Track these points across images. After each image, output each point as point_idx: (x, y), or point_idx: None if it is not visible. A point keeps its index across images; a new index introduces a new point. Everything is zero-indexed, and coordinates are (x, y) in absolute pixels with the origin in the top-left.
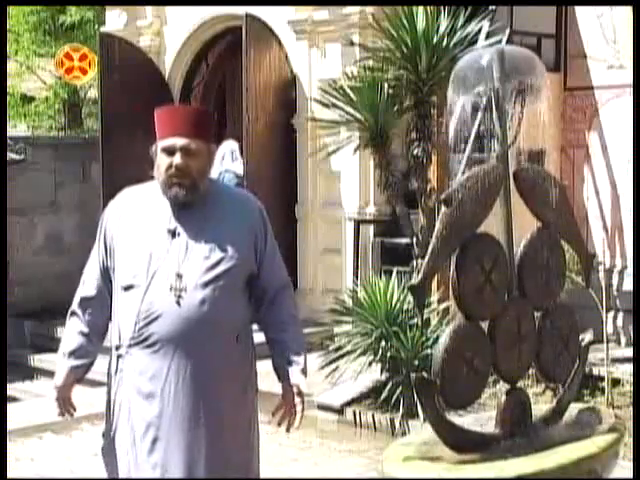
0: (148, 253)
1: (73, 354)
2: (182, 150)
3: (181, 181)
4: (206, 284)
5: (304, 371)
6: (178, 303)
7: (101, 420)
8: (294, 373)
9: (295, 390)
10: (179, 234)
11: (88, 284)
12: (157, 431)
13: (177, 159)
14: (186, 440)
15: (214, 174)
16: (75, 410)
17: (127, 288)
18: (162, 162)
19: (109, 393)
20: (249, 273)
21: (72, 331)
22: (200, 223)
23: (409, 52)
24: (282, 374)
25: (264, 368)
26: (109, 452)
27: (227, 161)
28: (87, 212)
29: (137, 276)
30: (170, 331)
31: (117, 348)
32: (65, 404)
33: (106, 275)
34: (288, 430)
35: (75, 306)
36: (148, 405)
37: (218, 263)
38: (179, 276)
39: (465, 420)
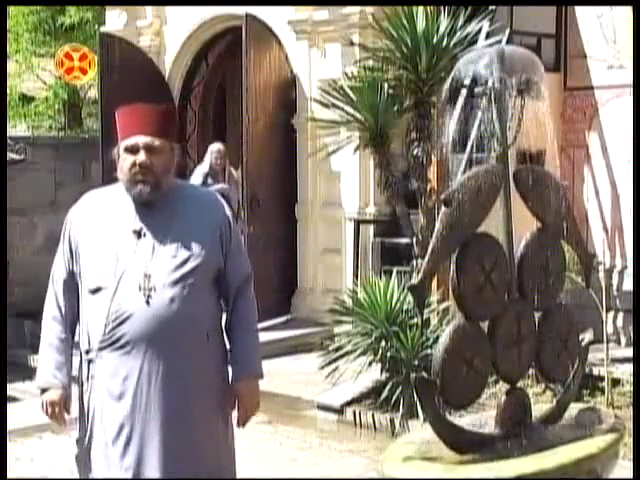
0: (114, 255)
1: (63, 368)
2: (145, 148)
3: (145, 178)
4: (175, 283)
5: (255, 371)
6: (148, 302)
7: None
8: (238, 376)
9: (240, 391)
10: (145, 234)
11: (59, 290)
12: (130, 433)
13: (141, 157)
14: (160, 440)
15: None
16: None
17: (95, 291)
18: (126, 161)
19: (81, 399)
20: (216, 270)
21: (54, 339)
22: (165, 222)
23: (409, 52)
24: (234, 374)
25: (265, 368)
26: (83, 459)
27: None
28: None
29: (105, 278)
30: (141, 331)
31: (87, 352)
32: (60, 417)
33: (72, 280)
34: (238, 425)
35: (53, 312)
36: (120, 407)
37: (185, 261)
38: (147, 276)
39: (465, 420)
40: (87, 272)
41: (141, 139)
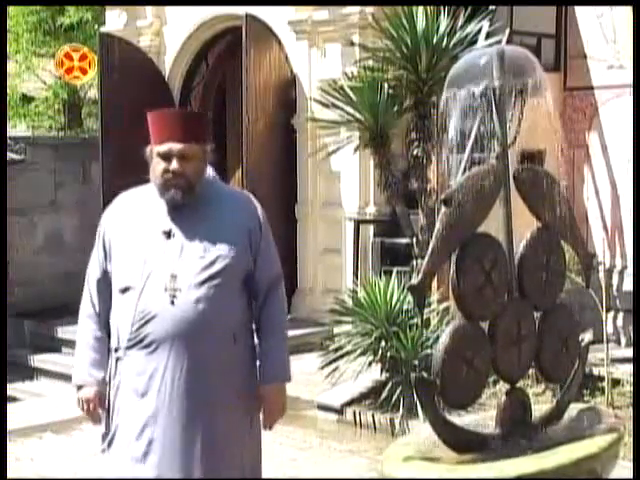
0: (143, 255)
1: (99, 365)
2: (178, 155)
3: (177, 182)
4: (201, 283)
5: (282, 376)
6: (172, 303)
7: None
8: (263, 380)
9: (265, 395)
10: (174, 235)
11: (93, 289)
12: (153, 432)
13: (173, 165)
14: (182, 440)
15: None
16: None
17: (124, 290)
18: (158, 166)
19: (108, 396)
20: (245, 271)
21: (89, 338)
22: (195, 223)
23: (409, 52)
24: (260, 378)
25: None
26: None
27: None
28: (87, 212)
29: (133, 278)
30: (165, 331)
31: (115, 350)
32: (95, 414)
33: (106, 279)
34: (264, 428)
35: (88, 310)
36: (144, 405)
37: (213, 262)
38: (173, 276)
39: (465, 420)
40: (117, 272)
41: (175, 146)
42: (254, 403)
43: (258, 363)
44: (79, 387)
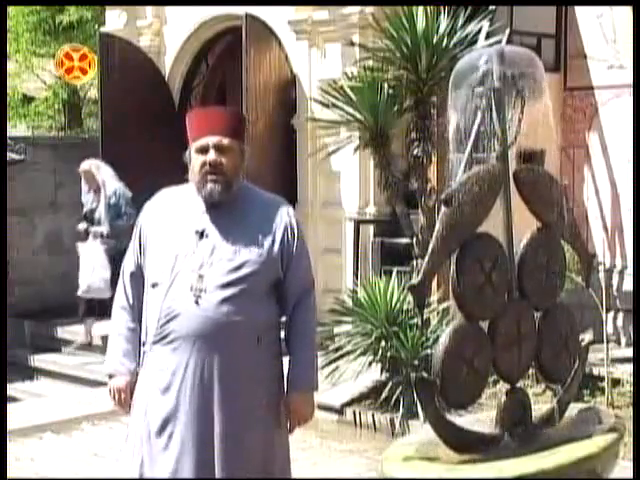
0: (175, 253)
1: (131, 356)
2: (215, 147)
3: (216, 178)
4: (226, 285)
5: (308, 384)
6: (197, 303)
7: (101, 420)
8: (291, 388)
9: (292, 403)
10: (207, 235)
11: (127, 281)
12: (173, 427)
13: (210, 155)
14: (201, 438)
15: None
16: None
17: (154, 285)
18: (196, 161)
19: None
20: (274, 278)
21: (122, 328)
22: (228, 225)
23: (409, 52)
24: (288, 386)
25: None
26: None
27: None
28: None
29: (162, 275)
30: (188, 329)
31: (143, 344)
32: (126, 404)
33: (140, 272)
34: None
35: (122, 302)
36: (165, 401)
37: (241, 266)
38: (200, 277)
39: (465, 420)
40: (149, 267)
41: (211, 139)
42: (279, 405)
43: (286, 369)
44: (110, 376)
